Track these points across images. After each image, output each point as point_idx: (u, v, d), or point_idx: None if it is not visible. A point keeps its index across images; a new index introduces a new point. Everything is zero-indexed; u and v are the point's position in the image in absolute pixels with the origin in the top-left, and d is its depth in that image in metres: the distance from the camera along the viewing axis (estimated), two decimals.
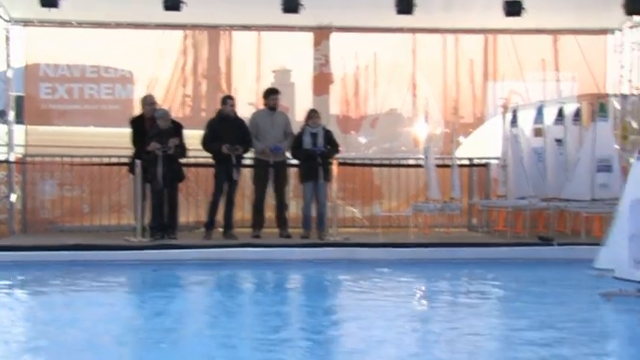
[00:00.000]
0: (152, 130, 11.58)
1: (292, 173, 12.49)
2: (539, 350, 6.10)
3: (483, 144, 14.22)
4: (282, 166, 12.23)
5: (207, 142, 11.82)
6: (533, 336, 6.62)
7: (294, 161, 12.33)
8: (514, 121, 12.74)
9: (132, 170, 11.68)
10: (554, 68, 17.02)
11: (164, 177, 11.33)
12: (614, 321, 7.78)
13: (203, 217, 12.35)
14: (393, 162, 13.86)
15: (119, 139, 12.32)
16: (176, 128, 11.73)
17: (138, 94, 13.42)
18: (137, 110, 12.80)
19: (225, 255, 10.91)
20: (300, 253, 11.02)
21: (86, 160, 12.85)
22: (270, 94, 12.42)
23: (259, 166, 12.16)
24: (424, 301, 8.84)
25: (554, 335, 6.67)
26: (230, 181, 11.77)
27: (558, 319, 7.33)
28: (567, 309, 7.95)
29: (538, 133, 12.87)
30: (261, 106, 12.72)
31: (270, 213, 12.34)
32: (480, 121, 16.81)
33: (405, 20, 13.06)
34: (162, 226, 11.56)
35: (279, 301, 8.70)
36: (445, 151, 14.26)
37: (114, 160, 12.64)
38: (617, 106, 13.33)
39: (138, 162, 11.41)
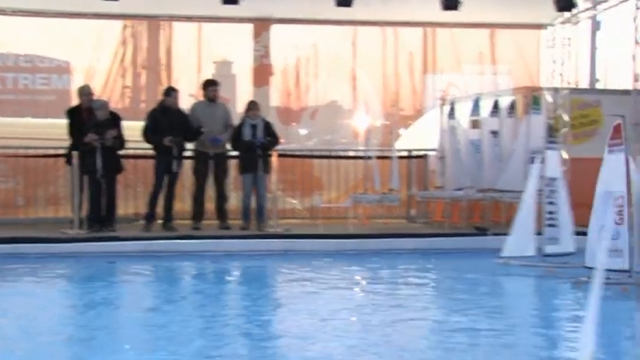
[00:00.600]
0: (90, 121, 11.42)
1: (232, 165, 12.45)
2: (475, 336, 6.23)
3: (422, 136, 14.39)
4: (222, 158, 12.18)
5: (149, 134, 11.69)
6: (468, 323, 6.76)
7: (234, 153, 12.28)
8: (452, 114, 12.90)
9: (69, 162, 11.52)
10: (491, 62, 17.33)
11: (102, 169, 11.18)
12: (551, 305, 7.98)
13: (142, 209, 12.22)
14: (333, 154, 13.91)
15: (56, 130, 12.12)
16: (114, 119, 11.59)
17: (75, 84, 13.21)
18: (74, 101, 12.61)
19: (165, 247, 10.84)
20: (240, 244, 11.01)
21: (21, 151, 12.60)
22: (209, 85, 12.33)
23: (199, 157, 12.09)
24: (363, 292, 8.92)
25: (490, 322, 6.82)
26: (170, 173, 11.68)
27: (494, 307, 7.48)
28: (501, 297, 8.12)
29: (475, 125, 13.04)
30: (202, 98, 12.63)
31: (210, 205, 12.28)
32: (419, 113, 17.01)
33: (344, 12, 13.10)
34: (100, 218, 11.43)
35: (218, 293, 8.70)
36: (385, 143, 14.38)
37: (51, 151, 12.42)
38: (550, 99, 13.58)
39: (75, 153, 11.24)
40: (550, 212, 9.25)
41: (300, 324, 6.88)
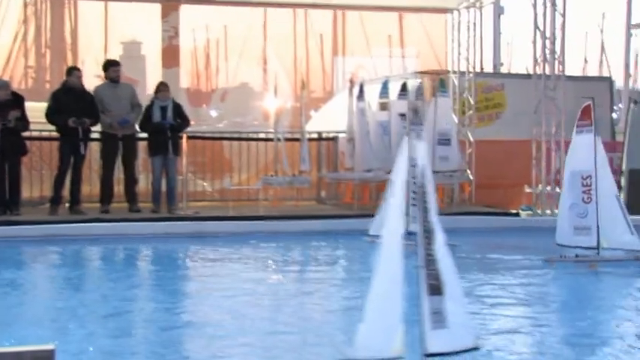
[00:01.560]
0: None
1: (141, 147, 12.22)
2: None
3: (332, 118, 14.43)
4: (130, 140, 11.94)
5: (52, 115, 11.34)
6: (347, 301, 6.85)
7: (144, 135, 12.05)
8: (361, 96, 12.95)
9: None
10: (400, 45, 17.52)
11: (5, 151, 10.81)
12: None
13: (48, 192, 11.89)
14: (243, 136, 13.82)
15: None
16: (17, 100, 11.19)
17: None
18: None
19: (73, 231, 10.57)
20: (150, 227, 10.84)
21: None
22: (111, 65, 12.01)
23: (107, 139, 11.81)
24: (272, 273, 8.91)
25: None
26: (76, 155, 11.38)
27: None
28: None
29: (383, 107, 13.15)
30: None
31: (119, 187, 12.04)
32: (329, 95, 17.08)
33: None
34: (4, 201, 11.07)
35: (127, 276, 8.57)
36: (295, 125, 14.37)
37: None
38: (456, 82, 13.82)
39: None
40: (414, 192, 9.43)
41: (207, 306, 6.87)
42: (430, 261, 4.37)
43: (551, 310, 7.05)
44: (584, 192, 8.60)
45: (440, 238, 4.44)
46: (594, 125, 8.75)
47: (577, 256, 8.65)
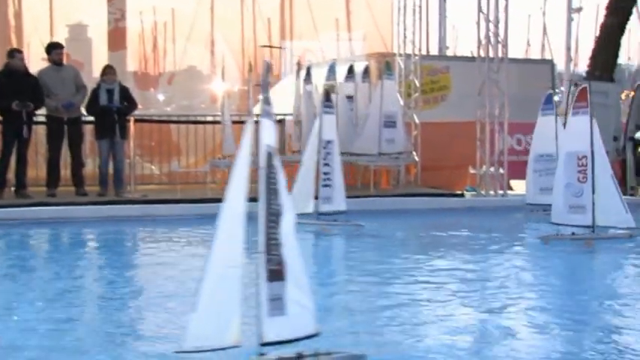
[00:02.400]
0: None
1: (88, 130, 12.04)
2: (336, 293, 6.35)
3: (280, 100, 14.38)
4: (76, 123, 11.74)
5: None
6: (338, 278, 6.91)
7: (90, 118, 11.87)
8: (308, 79, 12.94)
9: None
10: (347, 28, 17.52)
11: None
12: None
13: None
14: (191, 119, 13.69)
15: None
16: None
17: None
18: None
19: (18, 215, 10.38)
20: (97, 211, 10.70)
21: None
22: (53, 48, 11.77)
23: (53, 123, 11.60)
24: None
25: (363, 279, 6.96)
26: (20, 138, 11.15)
27: (356, 266, 7.63)
28: (361, 256, 8.29)
29: (330, 90, 13.15)
30: None
31: (65, 171, 11.84)
32: (277, 78, 17.01)
33: None
34: None
35: (75, 259, 8.46)
36: (242, 108, 14.31)
37: None
38: (402, 65, 13.88)
39: None
40: (325, 173, 9.58)
41: (154, 287, 6.85)
42: (273, 245, 4.09)
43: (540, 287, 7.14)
44: (579, 172, 8.74)
45: (288, 222, 4.15)
46: (590, 107, 8.88)
47: (573, 234, 8.79)
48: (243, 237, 4.04)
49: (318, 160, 9.49)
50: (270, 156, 4.16)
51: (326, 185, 9.59)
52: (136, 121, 12.00)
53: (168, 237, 9.61)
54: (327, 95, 9.94)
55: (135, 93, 12.66)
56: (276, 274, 4.11)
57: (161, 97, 15.59)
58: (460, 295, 6.50)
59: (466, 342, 5.16)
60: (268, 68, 4.40)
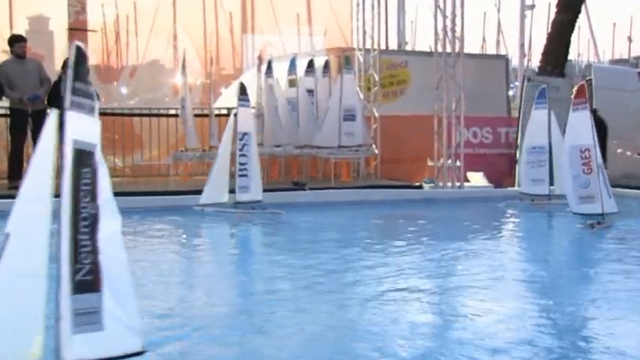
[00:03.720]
0: None
1: None
2: (293, 281, 6.33)
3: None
4: (40, 115, 11.51)
5: None
6: (283, 270, 6.89)
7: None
8: (269, 73, 12.87)
9: None
10: (307, 23, 17.47)
11: None
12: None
13: None
14: (153, 112, 13.52)
15: None
16: None
17: None
18: None
19: None
20: (58, 203, 10.50)
21: None
22: (16, 41, 11.53)
23: (16, 115, 11.37)
24: (183, 247, 8.80)
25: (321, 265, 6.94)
26: None
27: (324, 256, 7.62)
28: (325, 246, 8.27)
29: (291, 83, 13.13)
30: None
31: (28, 163, 11.59)
32: (238, 72, 16.91)
33: None
34: None
35: None
36: (205, 102, 14.18)
37: None
38: (362, 59, 13.88)
39: None
40: (242, 164, 9.69)
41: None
42: (83, 253, 3.43)
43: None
44: (583, 164, 8.96)
45: (109, 226, 3.53)
46: (588, 103, 9.22)
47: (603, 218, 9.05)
48: (46, 241, 3.40)
49: (234, 150, 9.67)
50: (82, 155, 3.50)
51: (243, 175, 9.70)
52: (99, 114, 11.80)
53: (132, 228, 9.47)
54: (243, 89, 10.04)
55: (97, 86, 12.44)
56: (86, 285, 3.45)
57: (124, 90, 15.39)
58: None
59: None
60: (79, 53, 3.45)
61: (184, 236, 9.27)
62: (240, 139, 9.73)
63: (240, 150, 9.76)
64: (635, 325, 5.41)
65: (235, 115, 9.92)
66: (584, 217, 9.15)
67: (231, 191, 9.70)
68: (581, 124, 9.14)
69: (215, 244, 9.07)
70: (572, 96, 9.45)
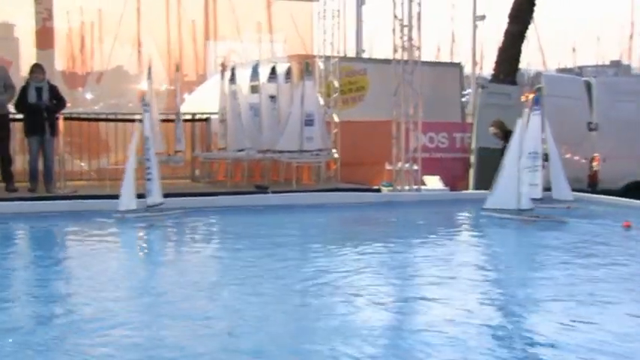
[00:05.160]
0: None
1: (18, 127, 11.70)
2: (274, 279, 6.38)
3: (205, 100, 14.30)
4: (3, 120, 11.42)
5: None
6: (255, 270, 6.94)
7: (20, 116, 11.55)
8: (232, 79, 12.90)
9: None
10: (268, 31, 17.52)
11: None
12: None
13: None
14: (119, 117, 13.44)
15: None
16: None
17: None
18: None
19: None
20: (28, 206, 10.42)
21: None
22: None
23: None
24: (150, 248, 8.80)
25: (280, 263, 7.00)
26: None
27: (282, 257, 7.67)
28: (285, 248, 8.33)
29: (254, 89, 13.17)
30: None
31: None
32: (202, 78, 16.90)
33: None
34: None
35: (5, 254, 8.23)
36: (169, 107, 14.15)
37: None
38: (322, 66, 13.98)
39: None
40: (147, 168, 9.74)
41: (85, 281, 6.75)
42: None
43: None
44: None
45: None
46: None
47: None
48: None
49: (142, 158, 9.80)
50: None
51: (148, 179, 9.77)
52: (65, 118, 11.76)
53: (98, 231, 9.43)
54: (144, 97, 10.10)
55: (64, 92, 12.38)
56: None
57: (89, 95, 15.26)
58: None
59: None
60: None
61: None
62: (145, 144, 9.78)
63: (146, 155, 9.81)
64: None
65: (140, 121, 9.87)
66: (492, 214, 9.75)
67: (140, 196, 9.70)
68: (534, 129, 9.72)
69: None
70: (526, 101, 9.73)
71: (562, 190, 10.52)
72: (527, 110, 9.92)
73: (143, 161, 9.85)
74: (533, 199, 10.63)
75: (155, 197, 9.78)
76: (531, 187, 10.79)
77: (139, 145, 9.82)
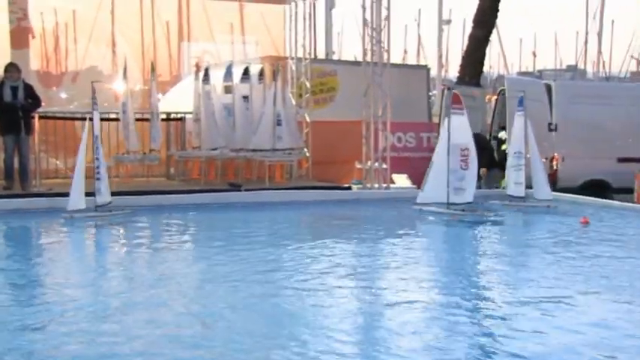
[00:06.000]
0: None
1: None
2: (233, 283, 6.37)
3: (180, 100, 14.21)
4: None
5: None
6: (232, 266, 6.92)
7: None
8: (206, 79, 12.84)
9: None
10: (241, 32, 17.48)
11: None
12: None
13: None
14: None
15: None
16: None
17: None
18: None
19: None
20: (4, 204, 10.27)
21: None
22: None
23: None
24: (124, 246, 8.71)
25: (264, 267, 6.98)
26: None
27: (262, 253, 7.66)
28: (263, 244, 8.32)
29: (227, 90, 13.12)
30: None
31: None
32: (176, 79, 16.79)
33: None
34: None
35: None
36: (144, 107, 14.04)
37: None
38: (294, 68, 13.98)
39: None
40: (96, 167, 9.61)
41: (60, 274, 6.78)
42: None
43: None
44: (462, 160, 9.92)
45: None
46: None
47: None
48: None
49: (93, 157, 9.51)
50: None
51: (97, 178, 9.60)
52: (40, 117, 11.62)
53: (74, 228, 9.33)
54: (94, 94, 9.92)
55: (39, 91, 12.22)
56: None
57: (63, 95, 15.09)
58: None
59: None
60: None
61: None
62: (94, 143, 9.62)
63: (96, 154, 9.59)
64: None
65: (91, 119, 9.61)
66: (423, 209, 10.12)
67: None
68: (461, 126, 9.88)
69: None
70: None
71: (542, 189, 10.81)
72: (451, 109, 10.07)
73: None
74: (513, 197, 10.78)
75: (104, 196, 9.56)
76: (516, 185, 10.92)
77: (89, 144, 9.51)
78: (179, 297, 5.97)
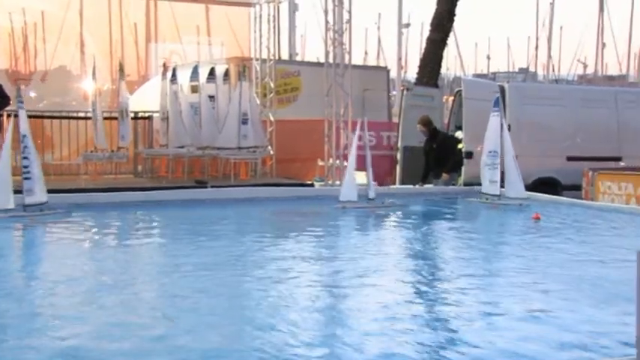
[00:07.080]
0: None
1: None
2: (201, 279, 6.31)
3: (147, 99, 14.08)
4: None
5: None
6: (203, 259, 6.87)
7: None
8: (173, 79, 12.74)
9: None
10: (207, 34, 17.37)
11: None
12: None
13: None
14: (63, 114, 13.10)
15: None
16: None
17: None
18: None
19: None
20: None
21: None
22: None
23: None
24: (94, 242, 8.59)
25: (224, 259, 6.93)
26: None
27: (220, 248, 7.61)
28: (226, 240, 8.27)
29: (194, 89, 13.02)
30: None
31: None
32: (143, 78, 16.62)
33: None
34: None
35: None
36: (112, 106, 13.87)
37: None
38: (258, 68, 13.91)
39: None
40: (25, 166, 9.13)
41: (33, 275, 6.61)
42: None
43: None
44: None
45: None
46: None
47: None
48: None
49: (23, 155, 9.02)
50: None
51: (27, 178, 9.07)
52: (9, 115, 11.39)
53: (41, 223, 9.16)
54: (19, 93, 9.48)
55: (8, 89, 11.98)
56: None
57: (32, 94, 14.82)
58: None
59: None
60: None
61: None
62: (22, 142, 9.09)
63: (23, 153, 9.05)
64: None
65: (16, 116, 9.07)
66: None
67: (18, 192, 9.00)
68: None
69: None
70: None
71: (516, 188, 10.85)
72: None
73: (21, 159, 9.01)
74: (492, 195, 10.86)
75: (37, 196, 9.04)
76: (491, 183, 10.94)
77: (12, 142, 9.04)
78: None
